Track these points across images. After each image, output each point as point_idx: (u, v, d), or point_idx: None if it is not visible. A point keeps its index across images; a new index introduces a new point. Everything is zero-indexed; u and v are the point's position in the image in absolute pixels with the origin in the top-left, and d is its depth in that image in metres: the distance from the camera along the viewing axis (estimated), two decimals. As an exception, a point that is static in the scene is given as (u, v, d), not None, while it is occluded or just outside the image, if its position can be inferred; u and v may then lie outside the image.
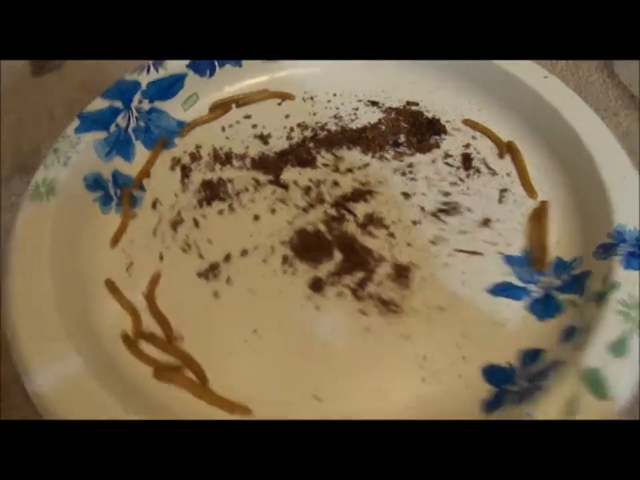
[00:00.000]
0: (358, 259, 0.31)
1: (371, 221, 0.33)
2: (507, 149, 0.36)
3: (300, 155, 0.36)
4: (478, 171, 0.35)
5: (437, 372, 0.28)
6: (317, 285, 0.31)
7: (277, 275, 0.31)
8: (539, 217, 0.32)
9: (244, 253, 0.32)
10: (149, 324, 0.30)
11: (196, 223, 0.34)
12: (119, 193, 0.35)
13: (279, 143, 0.37)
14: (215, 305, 0.31)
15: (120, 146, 0.36)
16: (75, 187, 0.34)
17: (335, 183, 0.35)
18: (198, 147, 0.38)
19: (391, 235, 0.32)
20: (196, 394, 0.28)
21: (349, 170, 0.35)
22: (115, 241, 0.33)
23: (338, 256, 0.32)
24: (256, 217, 0.34)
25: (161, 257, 0.33)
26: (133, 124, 0.37)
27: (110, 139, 0.36)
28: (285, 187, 0.35)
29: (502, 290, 0.30)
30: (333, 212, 0.33)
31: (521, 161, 0.35)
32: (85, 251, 0.33)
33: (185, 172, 0.36)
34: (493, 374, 0.28)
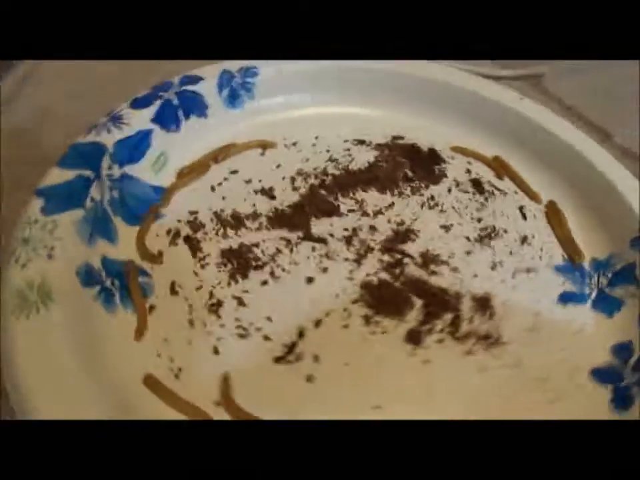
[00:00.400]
0: (440, 301, 0.29)
1: (429, 260, 0.31)
2: (496, 165, 0.37)
3: (318, 204, 0.32)
4: (492, 193, 0.35)
5: (557, 390, 0.27)
6: (414, 338, 0.27)
7: (367, 338, 0.27)
8: (554, 216, 0.34)
9: (317, 323, 0.27)
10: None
11: (241, 302, 0.27)
12: (117, 284, 0.27)
13: (287, 196, 0.33)
14: (313, 390, 0.25)
15: (100, 225, 0.28)
16: (75, 285, 0.25)
17: (372, 228, 0.32)
18: (193, 214, 0.31)
19: (454, 269, 0.30)
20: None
21: (379, 212, 0.33)
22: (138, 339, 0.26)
23: (417, 302, 0.29)
24: (309, 280, 0.29)
25: (216, 351, 0.26)
26: (107, 196, 0.29)
27: (89, 217, 0.27)
28: (322, 241, 0.31)
29: (567, 298, 0.31)
30: (387, 258, 0.30)
31: (513, 172, 0.36)
32: (114, 366, 0.24)
33: (193, 244, 0.29)
34: (603, 375, 0.28)
